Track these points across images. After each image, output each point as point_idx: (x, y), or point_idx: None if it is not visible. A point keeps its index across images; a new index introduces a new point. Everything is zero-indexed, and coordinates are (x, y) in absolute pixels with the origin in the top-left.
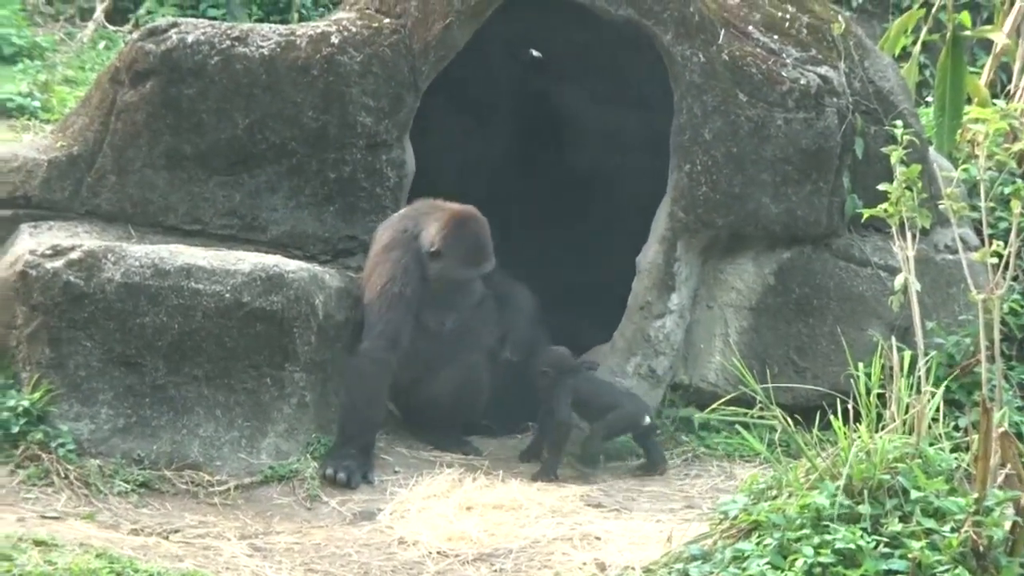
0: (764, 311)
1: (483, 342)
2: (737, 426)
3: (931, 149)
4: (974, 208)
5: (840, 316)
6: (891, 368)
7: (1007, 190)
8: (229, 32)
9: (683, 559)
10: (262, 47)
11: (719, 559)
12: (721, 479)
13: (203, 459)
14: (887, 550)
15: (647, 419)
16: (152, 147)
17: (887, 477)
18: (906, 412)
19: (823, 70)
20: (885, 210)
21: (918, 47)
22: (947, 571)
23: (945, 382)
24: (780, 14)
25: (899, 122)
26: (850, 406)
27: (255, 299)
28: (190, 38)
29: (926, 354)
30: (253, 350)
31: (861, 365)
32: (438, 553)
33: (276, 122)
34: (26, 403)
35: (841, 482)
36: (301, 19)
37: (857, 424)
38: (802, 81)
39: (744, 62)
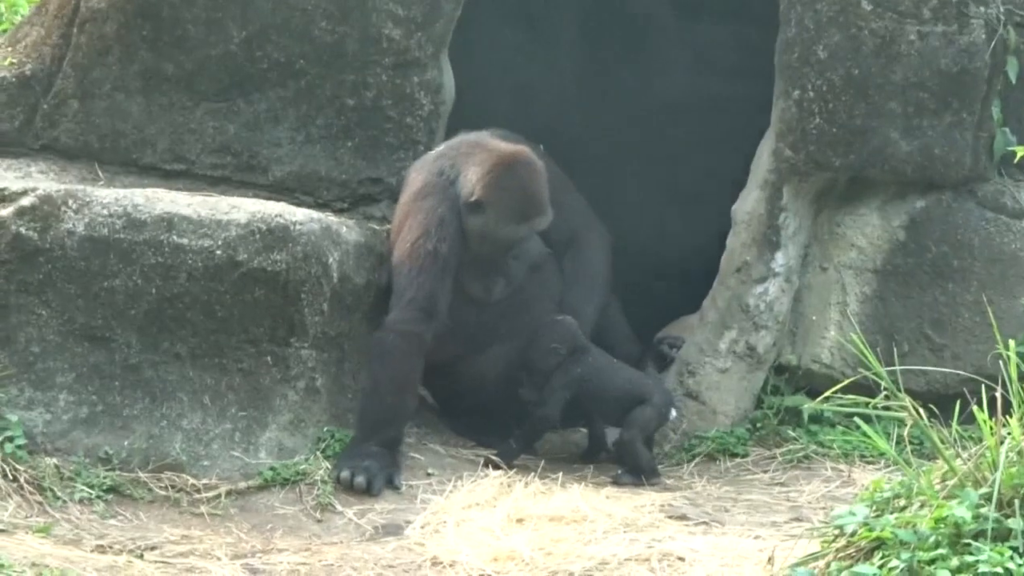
0: (892, 274)
1: (541, 315)
2: (857, 419)
3: None
4: None
5: (987, 281)
6: None
7: None
8: None
9: None
10: None
11: None
12: (836, 485)
13: (187, 458)
14: None
15: (674, 412)
16: (125, 66)
17: None
18: None
19: None
20: None
21: None
22: None
23: None
24: None
25: None
26: (999, 394)
27: (253, 257)
28: None
29: None
30: (250, 321)
31: (1012, 342)
32: None
33: (280, 35)
34: None
35: (986, 490)
36: None
37: (1007, 417)
38: None
39: None
